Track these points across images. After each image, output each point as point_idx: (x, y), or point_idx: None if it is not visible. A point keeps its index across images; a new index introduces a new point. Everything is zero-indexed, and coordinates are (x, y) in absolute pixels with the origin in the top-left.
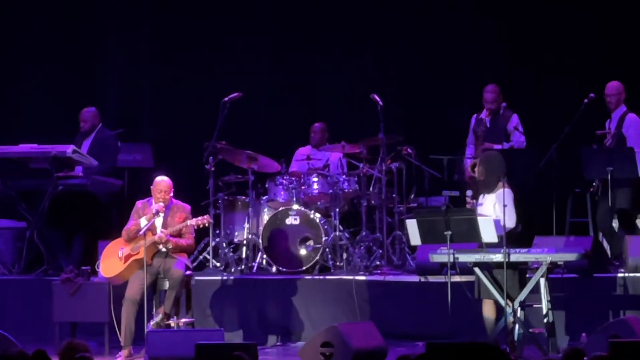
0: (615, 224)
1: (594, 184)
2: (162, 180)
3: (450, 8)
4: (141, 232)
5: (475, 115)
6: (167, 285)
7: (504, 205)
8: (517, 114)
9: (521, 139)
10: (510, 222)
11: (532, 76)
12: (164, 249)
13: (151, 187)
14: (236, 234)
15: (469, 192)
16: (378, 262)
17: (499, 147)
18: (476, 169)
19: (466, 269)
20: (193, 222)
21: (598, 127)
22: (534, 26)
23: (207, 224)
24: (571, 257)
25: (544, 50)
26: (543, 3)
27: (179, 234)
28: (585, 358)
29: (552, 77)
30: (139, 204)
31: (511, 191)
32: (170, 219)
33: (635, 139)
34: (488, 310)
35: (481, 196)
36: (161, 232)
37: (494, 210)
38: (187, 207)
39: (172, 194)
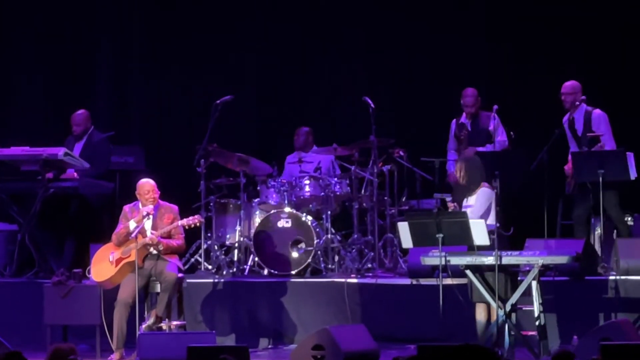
0: (599, 229)
1: (566, 183)
2: (146, 182)
3: (442, 10)
4: (132, 236)
5: (454, 120)
6: (159, 287)
7: (496, 207)
8: (495, 114)
9: (503, 139)
10: (492, 219)
11: (523, 78)
12: (155, 251)
13: (136, 192)
14: (228, 236)
15: (448, 197)
16: (370, 265)
17: (482, 149)
18: (458, 174)
19: (458, 271)
20: (184, 222)
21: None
22: (525, 27)
23: (198, 224)
24: (563, 259)
25: (535, 52)
26: (534, 4)
27: (168, 235)
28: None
29: (543, 79)
30: (126, 208)
31: (491, 190)
32: (159, 220)
33: (608, 134)
34: (480, 314)
35: (465, 201)
36: (152, 233)
37: (479, 211)
38: (175, 207)
39: (158, 195)
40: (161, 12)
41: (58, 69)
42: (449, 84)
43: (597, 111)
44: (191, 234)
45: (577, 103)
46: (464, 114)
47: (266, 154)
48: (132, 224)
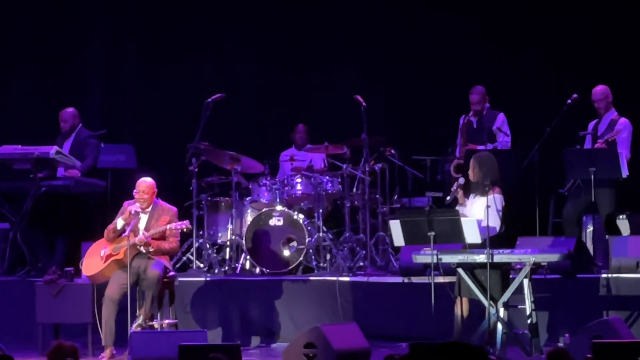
0: (591, 227)
1: (566, 182)
2: (143, 181)
3: (435, 9)
4: (125, 234)
5: (463, 116)
6: None
7: (488, 206)
8: (503, 113)
9: (505, 140)
10: (494, 225)
11: (515, 77)
12: (144, 251)
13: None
14: (220, 235)
15: (454, 186)
16: (361, 263)
17: (482, 147)
18: (470, 170)
19: (450, 269)
20: (172, 225)
21: (581, 128)
22: (518, 27)
23: (185, 230)
24: (554, 257)
25: (527, 51)
26: (528, 4)
27: (162, 237)
28: None
29: (535, 77)
30: (125, 204)
31: (502, 197)
32: (153, 221)
33: (627, 140)
34: (460, 309)
35: (472, 195)
36: (142, 234)
37: (484, 214)
38: (174, 209)
39: (153, 195)
40: (154, 10)
41: (49, 68)
42: (441, 83)
43: (624, 120)
44: (183, 233)
45: (609, 107)
46: (472, 111)
47: (258, 153)
48: (119, 222)
